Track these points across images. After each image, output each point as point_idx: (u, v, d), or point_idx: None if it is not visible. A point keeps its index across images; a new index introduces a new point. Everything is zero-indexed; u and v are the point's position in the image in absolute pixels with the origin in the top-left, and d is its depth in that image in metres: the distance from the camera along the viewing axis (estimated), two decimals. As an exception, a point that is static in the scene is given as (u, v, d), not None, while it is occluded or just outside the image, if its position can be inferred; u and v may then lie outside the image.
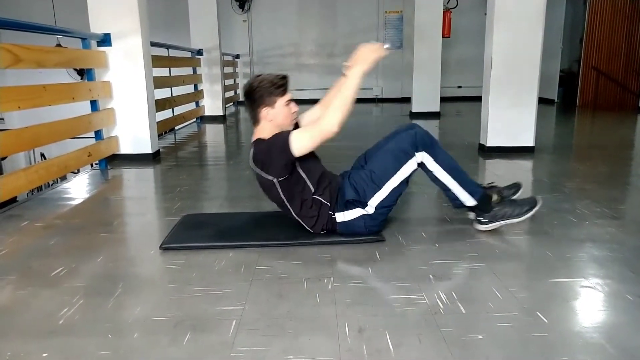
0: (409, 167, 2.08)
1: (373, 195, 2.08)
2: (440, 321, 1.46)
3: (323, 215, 2.11)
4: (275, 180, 2.06)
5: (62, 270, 1.89)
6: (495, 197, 2.22)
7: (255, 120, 2.15)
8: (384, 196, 2.08)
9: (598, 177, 3.37)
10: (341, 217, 2.11)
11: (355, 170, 2.21)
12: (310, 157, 2.12)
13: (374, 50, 2.00)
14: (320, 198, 2.10)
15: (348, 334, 1.41)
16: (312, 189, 2.09)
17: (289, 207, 2.12)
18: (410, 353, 1.32)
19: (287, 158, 1.99)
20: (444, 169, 2.11)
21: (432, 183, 2.18)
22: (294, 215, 2.13)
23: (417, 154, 2.07)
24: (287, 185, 2.07)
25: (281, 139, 2.00)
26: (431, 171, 2.12)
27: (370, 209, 2.09)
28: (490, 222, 2.19)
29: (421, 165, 2.11)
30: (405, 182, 2.11)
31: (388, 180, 2.07)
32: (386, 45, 2.02)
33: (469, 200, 2.16)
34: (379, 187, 2.07)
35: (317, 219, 2.11)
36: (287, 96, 2.10)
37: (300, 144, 1.97)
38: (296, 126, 2.21)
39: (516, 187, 2.40)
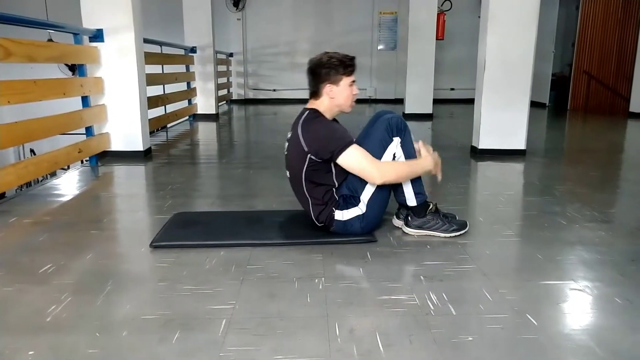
0: (390, 150, 2.08)
1: (363, 190, 2.09)
2: (431, 322, 1.47)
3: (328, 209, 2.11)
4: (309, 156, 2.05)
5: (50, 267, 1.87)
6: (432, 207, 2.20)
7: (316, 94, 2.13)
8: (372, 189, 2.09)
9: (589, 181, 3.40)
10: (340, 215, 2.11)
11: None
12: None
13: (436, 163, 2.12)
14: (334, 193, 2.12)
15: (339, 334, 1.40)
16: (335, 183, 2.11)
17: (303, 183, 2.11)
18: (400, 354, 1.32)
19: (328, 156, 2.02)
20: (405, 158, 2.11)
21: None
22: (305, 193, 2.13)
23: (394, 138, 2.09)
24: (315, 166, 2.07)
25: (339, 141, 2.02)
26: (395, 156, 2.10)
27: (363, 205, 2.10)
28: (418, 227, 2.19)
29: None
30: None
31: None
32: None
33: (411, 200, 2.16)
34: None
35: (323, 208, 2.12)
36: (353, 77, 2.12)
37: (347, 162, 2.02)
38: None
39: (458, 222, 2.25)
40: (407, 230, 2.21)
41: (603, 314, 1.57)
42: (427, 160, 2.12)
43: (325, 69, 2.08)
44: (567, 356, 1.32)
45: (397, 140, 2.09)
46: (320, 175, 2.10)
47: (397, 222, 2.30)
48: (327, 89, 2.09)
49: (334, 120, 2.19)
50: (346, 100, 2.12)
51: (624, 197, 3.13)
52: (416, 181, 2.15)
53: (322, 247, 2.05)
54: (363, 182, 2.08)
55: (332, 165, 2.08)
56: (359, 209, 2.10)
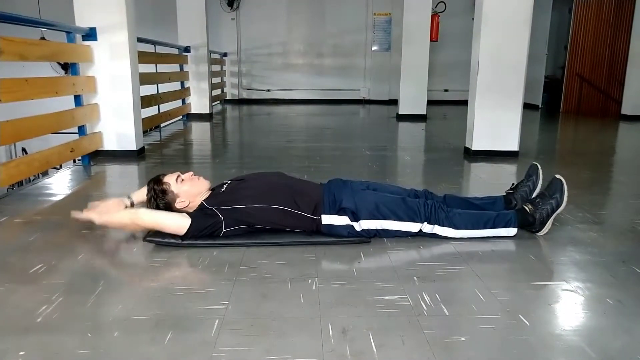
0: (411, 226, 2.12)
1: (369, 220, 2.10)
2: (424, 323, 1.47)
3: (302, 220, 2.11)
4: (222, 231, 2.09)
5: (41, 267, 1.85)
6: (529, 209, 2.21)
7: (187, 214, 2.12)
8: (377, 227, 2.11)
9: (580, 183, 3.41)
10: (327, 219, 2.10)
11: (361, 188, 2.22)
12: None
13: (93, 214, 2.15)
14: (296, 211, 2.10)
15: (331, 334, 1.40)
16: (250, 222, 2.10)
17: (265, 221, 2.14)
18: (393, 354, 1.32)
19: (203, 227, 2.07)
20: (470, 228, 2.14)
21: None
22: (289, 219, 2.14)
23: (425, 223, 2.12)
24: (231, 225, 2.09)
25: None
26: (460, 237, 2.14)
27: (358, 226, 2.10)
28: (542, 227, 2.21)
29: (437, 236, 2.14)
30: (399, 232, 2.13)
31: (389, 220, 2.11)
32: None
33: (510, 232, 2.18)
34: (378, 218, 2.10)
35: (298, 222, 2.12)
36: (171, 179, 2.15)
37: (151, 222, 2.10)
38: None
39: (535, 171, 2.40)
40: (541, 234, 2.22)
41: (594, 315, 1.58)
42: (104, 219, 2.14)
43: (165, 204, 2.14)
44: (558, 357, 1.33)
45: (430, 227, 2.12)
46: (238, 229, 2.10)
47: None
48: (180, 205, 2.15)
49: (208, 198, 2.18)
50: (192, 189, 2.16)
51: (615, 199, 3.16)
52: (494, 223, 2.16)
53: (315, 248, 2.05)
54: (372, 215, 2.09)
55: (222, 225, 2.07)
56: (353, 223, 2.10)
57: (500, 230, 2.17)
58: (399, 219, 2.11)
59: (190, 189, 2.17)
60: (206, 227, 2.05)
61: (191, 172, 2.23)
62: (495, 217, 2.17)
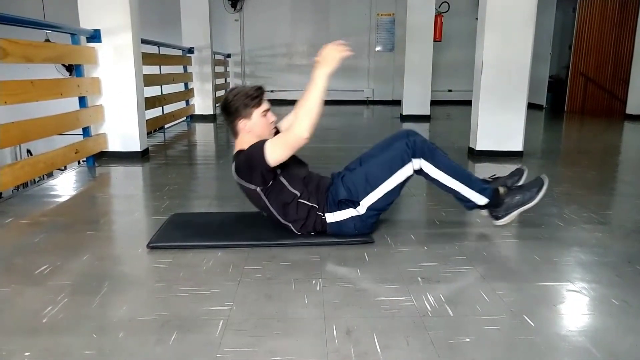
0: (405, 172, 2.08)
1: (366, 196, 2.08)
2: (428, 323, 1.47)
3: (311, 218, 2.10)
4: (258, 189, 2.06)
5: (46, 268, 1.86)
6: (502, 190, 2.20)
7: (234, 132, 2.16)
8: (376, 198, 2.08)
9: (585, 183, 3.40)
10: (331, 217, 2.10)
11: (349, 171, 2.22)
12: (292, 163, 2.12)
13: (338, 50, 1.94)
14: (306, 202, 2.10)
15: (336, 335, 1.40)
16: (297, 194, 2.09)
17: (274, 213, 2.12)
18: (397, 355, 1.31)
19: (264, 167, 1.99)
20: (448, 174, 2.11)
21: (439, 190, 2.16)
22: (281, 221, 2.13)
23: (413, 160, 2.08)
24: (271, 193, 2.07)
25: (257, 149, 2.00)
26: (435, 179, 2.11)
27: (362, 209, 2.09)
28: (505, 214, 2.20)
29: (421, 172, 2.10)
30: (399, 187, 2.11)
31: (383, 182, 2.07)
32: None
33: (480, 200, 2.16)
34: (373, 188, 2.07)
35: (304, 222, 2.11)
36: (263, 107, 2.12)
37: (273, 154, 1.97)
38: (276, 133, 2.21)
39: (519, 173, 2.38)
40: (500, 223, 2.21)
41: (600, 316, 1.57)
42: (319, 72, 1.96)
43: (233, 106, 2.09)
44: (564, 358, 1.32)
45: (418, 162, 2.07)
46: (282, 195, 2.08)
47: (484, 212, 2.27)
48: (242, 125, 2.11)
49: None
50: (263, 130, 2.13)
51: (621, 199, 3.14)
52: (470, 182, 2.14)
53: (320, 248, 2.05)
54: (367, 189, 2.07)
55: (279, 177, 2.06)
56: (356, 211, 2.10)
57: (472, 193, 2.13)
58: (391, 172, 2.07)
59: (261, 131, 2.11)
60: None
61: (274, 119, 2.16)
62: (474, 179, 2.16)
